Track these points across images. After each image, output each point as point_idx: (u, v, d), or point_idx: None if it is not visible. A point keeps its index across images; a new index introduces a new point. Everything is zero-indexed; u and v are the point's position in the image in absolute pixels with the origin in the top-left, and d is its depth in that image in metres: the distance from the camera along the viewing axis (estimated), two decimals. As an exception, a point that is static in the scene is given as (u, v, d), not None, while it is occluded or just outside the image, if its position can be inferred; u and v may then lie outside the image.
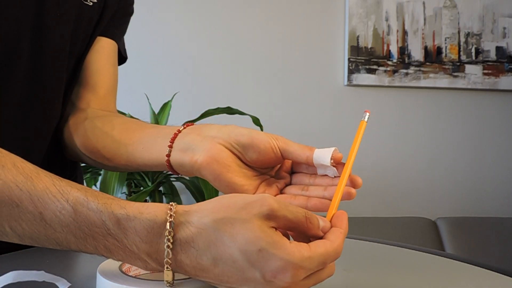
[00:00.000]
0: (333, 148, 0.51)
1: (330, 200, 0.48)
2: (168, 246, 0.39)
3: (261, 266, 0.38)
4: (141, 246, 0.40)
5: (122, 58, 0.84)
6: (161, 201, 1.80)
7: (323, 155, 0.51)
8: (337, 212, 0.45)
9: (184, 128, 0.58)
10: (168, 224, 0.40)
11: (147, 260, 0.41)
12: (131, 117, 1.73)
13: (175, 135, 0.57)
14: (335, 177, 0.52)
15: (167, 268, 0.40)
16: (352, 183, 0.50)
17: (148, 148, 0.60)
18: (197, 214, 0.40)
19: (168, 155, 0.57)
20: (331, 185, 0.52)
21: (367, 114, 0.52)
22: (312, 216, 0.42)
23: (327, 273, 0.42)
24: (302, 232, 0.42)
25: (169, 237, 0.39)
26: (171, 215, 0.40)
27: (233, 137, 0.53)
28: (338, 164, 0.51)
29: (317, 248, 0.39)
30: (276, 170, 0.56)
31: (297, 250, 0.38)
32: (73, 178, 0.80)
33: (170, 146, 0.56)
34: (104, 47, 0.77)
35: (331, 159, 0.51)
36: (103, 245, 0.41)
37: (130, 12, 0.83)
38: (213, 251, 0.39)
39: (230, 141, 0.53)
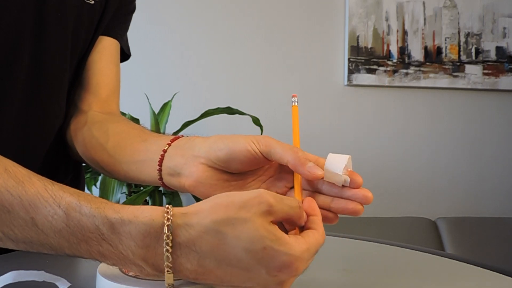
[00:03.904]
0: (347, 156, 0.48)
1: (335, 212, 0.48)
2: (167, 250, 0.39)
3: (267, 262, 0.38)
4: (137, 251, 0.40)
5: (125, 55, 0.83)
6: (161, 201, 1.80)
7: (336, 162, 0.47)
8: (305, 200, 0.46)
9: (169, 145, 0.56)
10: (166, 227, 0.39)
11: (143, 265, 0.40)
12: (131, 117, 1.74)
13: (162, 157, 0.56)
14: (343, 186, 0.47)
15: (167, 271, 0.39)
16: (363, 199, 0.47)
17: (141, 169, 0.60)
18: (196, 216, 0.39)
19: (161, 179, 0.57)
20: (339, 197, 0.48)
21: (295, 98, 0.53)
22: (302, 206, 0.43)
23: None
24: (293, 222, 0.43)
25: (168, 241, 0.39)
26: (168, 218, 0.39)
27: (213, 154, 0.52)
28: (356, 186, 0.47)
29: (310, 238, 0.41)
30: (275, 169, 0.53)
31: (297, 244, 0.39)
32: (74, 177, 0.80)
33: (160, 170, 0.56)
34: (106, 46, 0.77)
35: (344, 168, 0.47)
36: (96, 250, 0.41)
37: (132, 9, 0.82)
38: (217, 253, 0.38)
39: (211, 158, 0.52)
